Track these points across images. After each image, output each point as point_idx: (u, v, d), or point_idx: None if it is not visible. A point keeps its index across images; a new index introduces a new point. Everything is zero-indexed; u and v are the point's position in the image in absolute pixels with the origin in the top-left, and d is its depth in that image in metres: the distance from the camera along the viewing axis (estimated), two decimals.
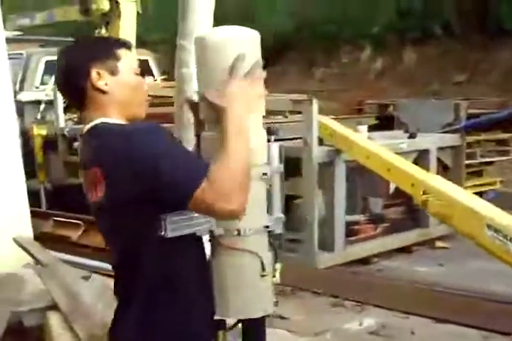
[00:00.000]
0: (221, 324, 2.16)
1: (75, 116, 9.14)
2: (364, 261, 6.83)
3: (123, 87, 2.08)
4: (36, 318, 3.96)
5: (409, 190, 5.52)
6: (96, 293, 4.07)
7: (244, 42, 2.00)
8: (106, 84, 2.06)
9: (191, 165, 1.87)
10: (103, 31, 9.76)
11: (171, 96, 7.71)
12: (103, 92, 2.06)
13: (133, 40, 8.37)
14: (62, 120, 8.62)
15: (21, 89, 9.45)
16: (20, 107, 8.45)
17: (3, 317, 3.85)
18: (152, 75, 10.60)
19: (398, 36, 16.25)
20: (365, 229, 7.07)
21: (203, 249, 2.14)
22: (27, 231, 5.12)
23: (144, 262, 1.99)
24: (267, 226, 2.10)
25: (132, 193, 1.90)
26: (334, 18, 16.79)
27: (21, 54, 9.62)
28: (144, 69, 10.58)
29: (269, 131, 2.14)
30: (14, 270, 4.40)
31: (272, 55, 15.05)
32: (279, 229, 2.17)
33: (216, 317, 2.13)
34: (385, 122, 8.40)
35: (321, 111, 6.62)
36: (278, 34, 16.51)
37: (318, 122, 6.34)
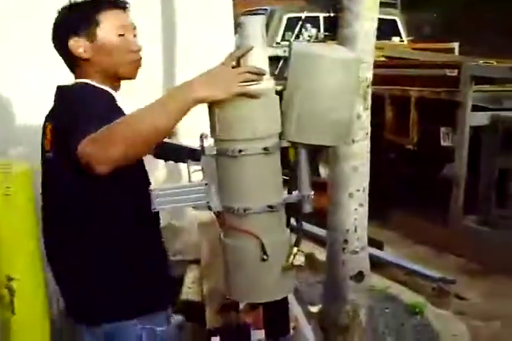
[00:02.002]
0: (234, 305, 2.07)
1: None
2: None
3: (101, 52, 2.06)
4: (180, 269, 4.06)
5: None
6: None
7: None
8: (84, 51, 2.05)
9: (93, 121, 1.78)
10: None
11: (415, 59, 7.47)
12: (84, 59, 2.06)
13: None
14: None
15: None
16: None
17: None
18: (399, 36, 10.23)
19: None
20: None
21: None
22: None
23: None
24: (271, 207, 1.88)
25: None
26: None
27: (265, 9, 9.70)
28: (390, 30, 10.20)
29: None
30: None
31: None
32: (307, 208, 1.96)
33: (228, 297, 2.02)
34: None
35: None
36: None
37: None
